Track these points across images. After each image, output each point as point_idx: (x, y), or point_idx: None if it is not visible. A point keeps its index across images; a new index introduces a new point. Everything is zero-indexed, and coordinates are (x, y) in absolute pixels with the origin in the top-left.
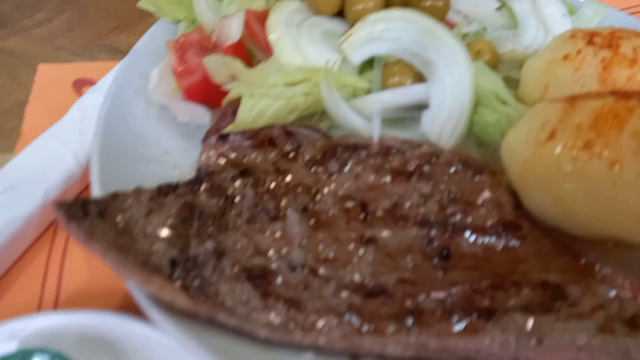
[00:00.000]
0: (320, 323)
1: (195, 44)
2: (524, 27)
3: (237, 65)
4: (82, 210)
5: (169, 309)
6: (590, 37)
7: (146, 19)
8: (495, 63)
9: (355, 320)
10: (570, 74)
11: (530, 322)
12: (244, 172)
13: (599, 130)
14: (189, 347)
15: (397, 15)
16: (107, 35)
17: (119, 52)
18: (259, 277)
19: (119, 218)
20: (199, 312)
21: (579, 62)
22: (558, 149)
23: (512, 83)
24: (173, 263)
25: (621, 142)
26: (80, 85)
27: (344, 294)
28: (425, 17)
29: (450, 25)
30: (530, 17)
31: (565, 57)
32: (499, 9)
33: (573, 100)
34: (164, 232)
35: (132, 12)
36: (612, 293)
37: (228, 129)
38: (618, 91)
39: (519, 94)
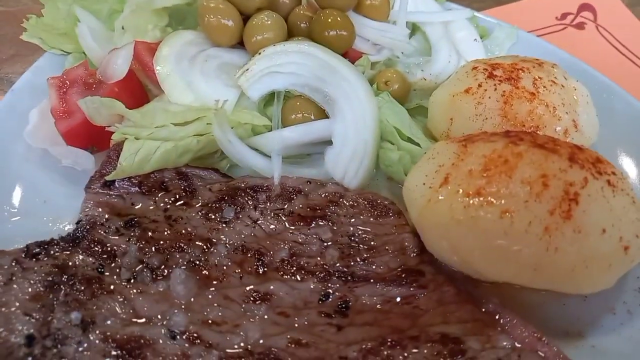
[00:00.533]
0: None
1: (79, 82)
2: (436, 53)
3: (119, 106)
4: None
5: None
6: (491, 70)
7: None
8: (405, 93)
9: None
10: (472, 108)
11: None
12: (130, 222)
13: (490, 177)
14: None
15: (294, 48)
16: (1, 66)
17: (11, 85)
18: (131, 350)
19: None
20: None
21: (480, 96)
22: (451, 196)
23: (424, 112)
24: (30, 341)
25: (511, 190)
26: None
27: None
28: (324, 50)
29: (358, 55)
30: (443, 42)
31: (467, 90)
32: (411, 35)
33: (466, 142)
34: (23, 304)
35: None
36: (511, 345)
37: (111, 175)
38: (511, 132)
39: (427, 126)
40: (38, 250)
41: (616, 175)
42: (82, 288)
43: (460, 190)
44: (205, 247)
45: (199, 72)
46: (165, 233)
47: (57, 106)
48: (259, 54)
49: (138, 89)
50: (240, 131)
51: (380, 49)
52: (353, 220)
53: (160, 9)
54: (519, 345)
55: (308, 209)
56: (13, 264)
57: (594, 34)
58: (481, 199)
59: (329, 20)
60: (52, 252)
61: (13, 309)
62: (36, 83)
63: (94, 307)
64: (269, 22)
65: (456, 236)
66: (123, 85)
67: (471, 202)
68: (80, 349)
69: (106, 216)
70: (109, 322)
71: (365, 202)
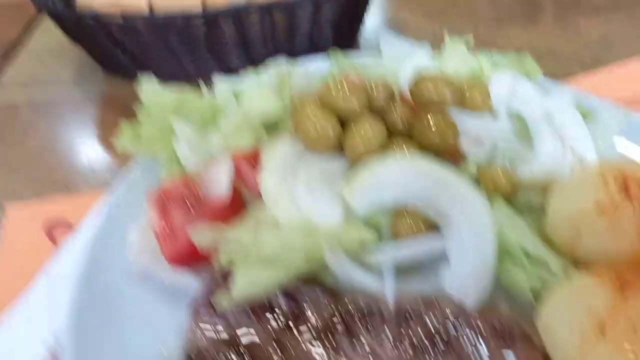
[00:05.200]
0: None
1: (179, 199)
2: (538, 141)
3: (228, 233)
4: None
5: None
6: (623, 182)
7: None
8: (514, 192)
9: None
10: (605, 228)
11: None
12: (240, 352)
13: None
14: None
15: (401, 164)
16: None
17: (97, 178)
18: None
19: None
20: None
21: (614, 216)
22: (612, 355)
23: (533, 211)
24: None
25: None
26: (53, 229)
27: None
28: (432, 162)
29: (459, 155)
30: (544, 126)
31: (597, 206)
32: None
33: (623, 286)
34: None
35: (111, 124)
36: None
37: (223, 303)
38: None
39: (547, 232)
40: None
41: None
42: None
43: (625, 347)
44: None
45: (302, 184)
46: None
47: (158, 227)
48: (365, 167)
49: (238, 202)
50: (347, 248)
51: (481, 144)
52: (476, 347)
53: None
54: None
55: (429, 335)
56: None
57: None
58: None
59: (434, 124)
60: None
61: None
62: (133, 196)
63: None
64: (371, 132)
65: None
66: (223, 210)
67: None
68: None
69: (215, 346)
70: None
71: (489, 327)
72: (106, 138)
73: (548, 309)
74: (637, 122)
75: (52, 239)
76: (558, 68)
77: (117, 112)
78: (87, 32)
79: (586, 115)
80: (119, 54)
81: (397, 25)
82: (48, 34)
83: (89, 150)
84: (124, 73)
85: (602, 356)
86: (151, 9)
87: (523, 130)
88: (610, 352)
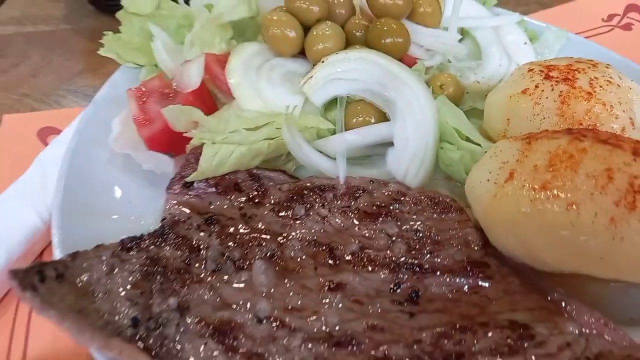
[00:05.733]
0: None
1: (156, 92)
2: (487, 57)
3: (197, 113)
4: (38, 276)
5: None
6: (548, 71)
7: (112, 61)
8: (459, 95)
9: None
10: (529, 108)
11: None
12: (210, 220)
13: (555, 172)
14: None
15: (356, 56)
16: (72, 80)
17: (85, 97)
18: (224, 332)
19: (79, 279)
20: None
21: (538, 97)
22: (517, 191)
23: (477, 114)
24: (135, 322)
25: (576, 183)
26: (46, 135)
27: (311, 345)
28: (384, 56)
29: (412, 61)
30: (493, 46)
31: (524, 92)
32: (461, 40)
33: (530, 140)
34: (126, 290)
35: (97, 54)
36: (578, 330)
37: (191, 177)
38: (573, 129)
39: (483, 127)
40: (131, 244)
41: None
42: (174, 278)
43: (526, 185)
44: (279, 241)
45: (265, 80)
46: (242, 229)
47: (138, 115)
48: (322, 62)
49: (209, 98)
50: (306, 135)
51: (433, 55)
52: (416, 216)
53: (226, 23)
54: (586, 331)
55: (373, 207)
56: (112, 256)
57: None
58: (547, 192)
59: (385, 28)
60: (143, 246)
61: (117, 295)
62: (114, 95)
63: (187, 294)
64: (329, 32)
65: (523, 229)
66: (196, 95)
67: (537, 196)
68: (180, 330)
69: (187, 214)
70: (201, 308)
71: (428, 200)
72: (92, 65)
73: (472, 172)
74: (576, 41)
75: (44, 142)
76: (519, 6)
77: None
78: None
79: (532, 36)
80: None
81: None
82: None
83: (76, 74)
84: (111, 9)
85: (509, 194)
86: None
87: (475, 49)
88: (515, 189)
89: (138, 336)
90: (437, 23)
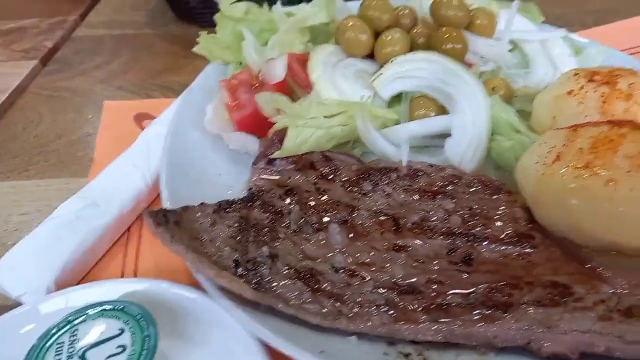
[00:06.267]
0: (362, 314)
1: (245, 83)
2: (534, 66)
3: (283, 100)
4: (164, 218)
5: (234, 296)
6: (591, 76)
7: (193, 62)
8: (509, 97)
9: (391, 311)
10: (574, 107)
11: (540, 313)
12: (289, 191)
13: (597, 153)
14: (257, 330)
15: (422, 57)
16: (159, 76)
17: (170, 90)
18: (308, 277)
19: (190, 226)
20: (260, 302)
21: (582, 97)
22: (563, 169)
23: (524, 115)
24: (236, 263)
25: (616, 162)
26: (141, 119)
27: (381, 291)
28: (447, 57)
29: (469, 65)
30: (540, 56)
31: (570, 92)
32: (512, 50)
33: (575, 128)
34: (227, 239)
35: (179, 55)
36: (612, 290)
37: (275, 154)
38: (613, 120)
39: (531, 124)
40: (226, 206)
41: None
42: (264, 233)
43: (572, 165)
44: (350, 210)
45: (341, 75)
46: (318, 200)
47: (230, 101)
48: (391, 62)
49: (288, 91)
50: (374, 124)
51: (487, 61)
52: (470, 196)
53: (304, 28)
54: (619, 291)
55: (432, 186)
56: (213, 213)
57: None
58: (590, 170)
59: (447, 35)
60: (236, 207)
61: (220, 242)
62: (207, 84)
63: (276, 247)
64: (397, 37)
65: (568, 203)
66: (280, 87)
67: (581, 173)
68: (273, 272)
69: (270, 186)
70: (288, 257)
71: (480, 182)
72: (174, 64)
73: (523, 157)
74: (619, 56)
75: (139, 125)
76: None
77: (182, 46)
78: None
79: (577, 51)
80: None
81: None
82: None
83: (161, 71)
84: (190, 17)
85: (556, 173)
86: None
87: (523, 59)
88: (561, 168)
89: (239, 273)
90: (491, 34)
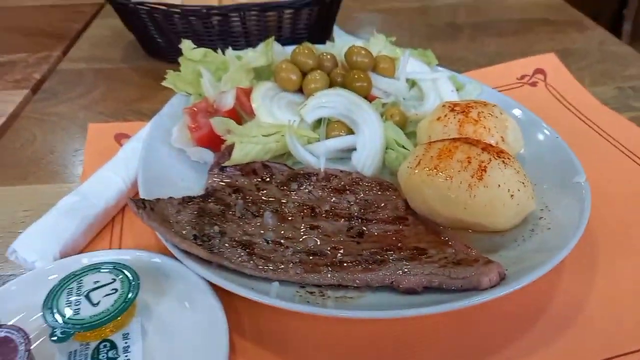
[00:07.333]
0: (283, 268)
1: (203, 110)
2: (426, 99)
3: (232, 123)
4: (142, 204)
5: (194, 257)
6: (453, 106)
7: (161, 92)
8: (403, 122)
9: (304, 266)
10: (441, 129)
11: (403, 265)
12: (236, 190)
13: (441, 159)
14: (209, 278)
15: (335, 92)
16: (133, 103)
17: (143, 115)
18: (247, 245)
19: (161, 212)
20: (212, 261)
21: (446, 122)
22: (421, 170)
23: (414, 135)
24: (195, 237)
25: (452, 165)
26: (120, 138)
27: (298, 254)
28: (352, 93)
29: (373, 98)
30: (431, 91)
31: (439, 119)
32: (413, 86)
33: (430, 143)
34: (188, 222)
35: (150, 86)
36: (453, 250)
37: (226, 163)
38: (455, 138)
39: (417, 141)
40: (189, 199)
41: (509, 159)
42: (216, 218)
43: (426, 167)
44: (281, 203)
45: (276, 105)
46: (257, 196)
47: (191, 124)
48: (314, 95)
49: (236, 116)
50: (300, 141)
51: (389, 95)
52: (367, 192)
53: (249, 68)
54: (457, 251)
55: (340, 186)
56: (178, 204)
57: (544, 90)
58: (436, 170)
59: (356, 76)
60: (195, 201)
61: (183, 223)
62: (173, 111)
63: (224, 227)
64: (319, 77)
65: (425, 193)
66: (229, 113)
67: (432, 172)
68: (221, 242)
69: (222, 186)
70: (233, 234)
71: (375, 183)
72: (146, 94)
73: (401, 164)
74: (488, 92)
75: (119, 142)
76: (461, 66)
77: (152, 79)
78: (138, 19)
79: (460, 87)
80: (158, 38)
81: (351, 32)
82: (101, 28)
83: (135, 100)
84: (159, 55)
85: (417, 173)
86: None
87: (420, 93)
88: (419, 171)
89: (198, 244)
90: (392, 74)
